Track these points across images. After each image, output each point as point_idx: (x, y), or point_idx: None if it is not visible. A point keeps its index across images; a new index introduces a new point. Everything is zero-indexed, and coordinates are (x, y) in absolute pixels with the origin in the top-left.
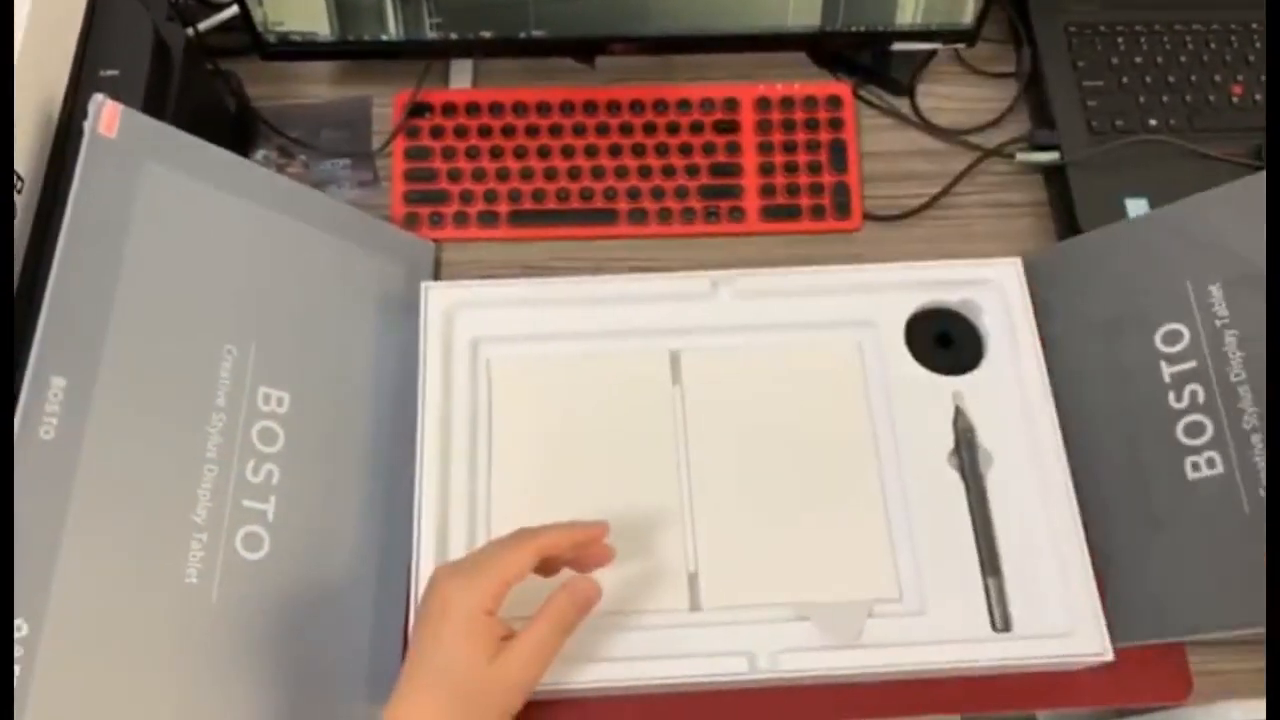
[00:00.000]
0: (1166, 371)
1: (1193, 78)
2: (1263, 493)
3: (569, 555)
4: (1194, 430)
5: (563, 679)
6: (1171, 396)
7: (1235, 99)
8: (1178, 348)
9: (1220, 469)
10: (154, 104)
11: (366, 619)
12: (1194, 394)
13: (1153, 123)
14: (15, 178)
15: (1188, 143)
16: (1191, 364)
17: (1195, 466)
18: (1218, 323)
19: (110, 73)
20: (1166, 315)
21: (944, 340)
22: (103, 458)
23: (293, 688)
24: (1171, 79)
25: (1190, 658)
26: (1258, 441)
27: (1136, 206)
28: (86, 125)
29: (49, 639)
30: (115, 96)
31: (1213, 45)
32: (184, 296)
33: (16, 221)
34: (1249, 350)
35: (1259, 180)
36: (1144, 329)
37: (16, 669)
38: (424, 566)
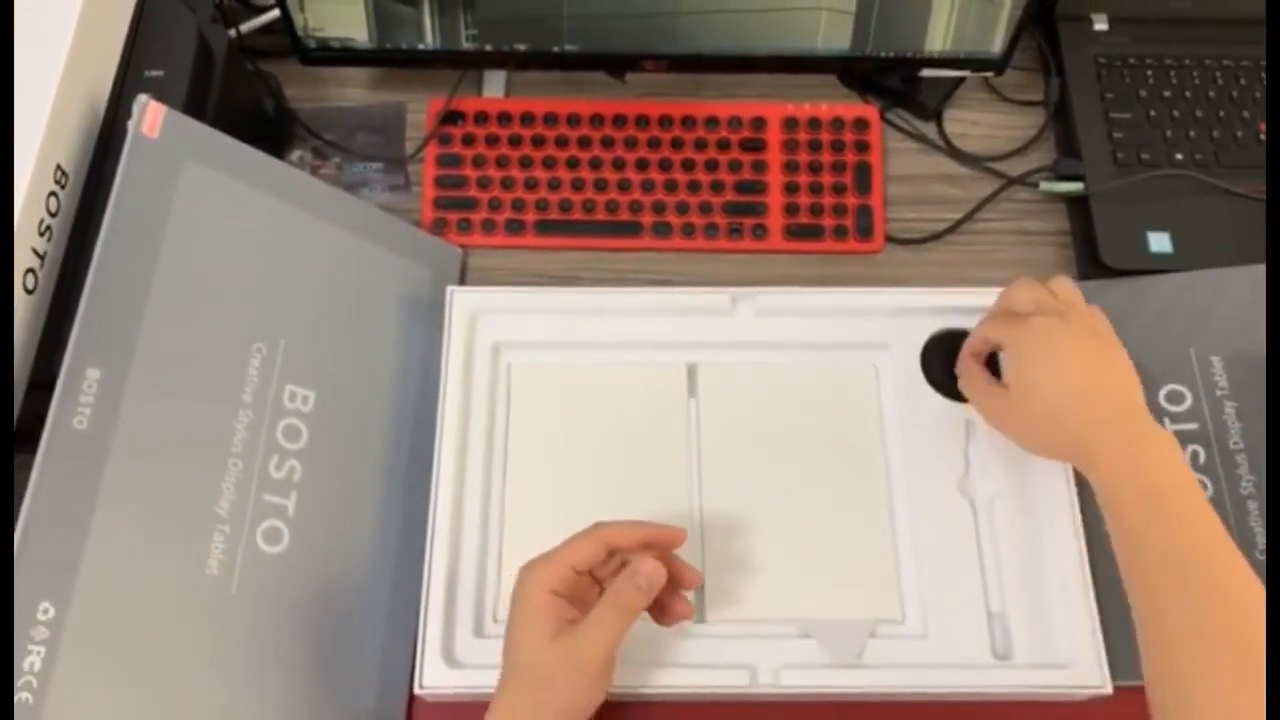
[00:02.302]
0: (1169, 428)
1: (1220, 113)
2: (1259, 555)
3: (635, 552)
4: None
5: None
6: None
7: (1262, 136)
8: (1180, 408)
9: None
10: (196, 103)
11: (381, 615)
12: (1195, 454)
13: (1178, 157)
14: (58, 172)
15: (1213, 178)
16: (1193, 425)
17: None
18: (1218, 392)
19: (155, 73)
20: (1170, 376)
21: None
22: (133, 448)
23: (307, 680)
24: (1199, 114)
25: None
26: (1254, 508)
27: (1159, 240)
28: (130, 124)
29: (74, 622)
30: (159, 96)
31: (1242, 81)
32: (217, 293)
33: (59, 216)
34: (1247, 423)
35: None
36: (1148, 384)
37: (41, 649)
38: (437, 565)
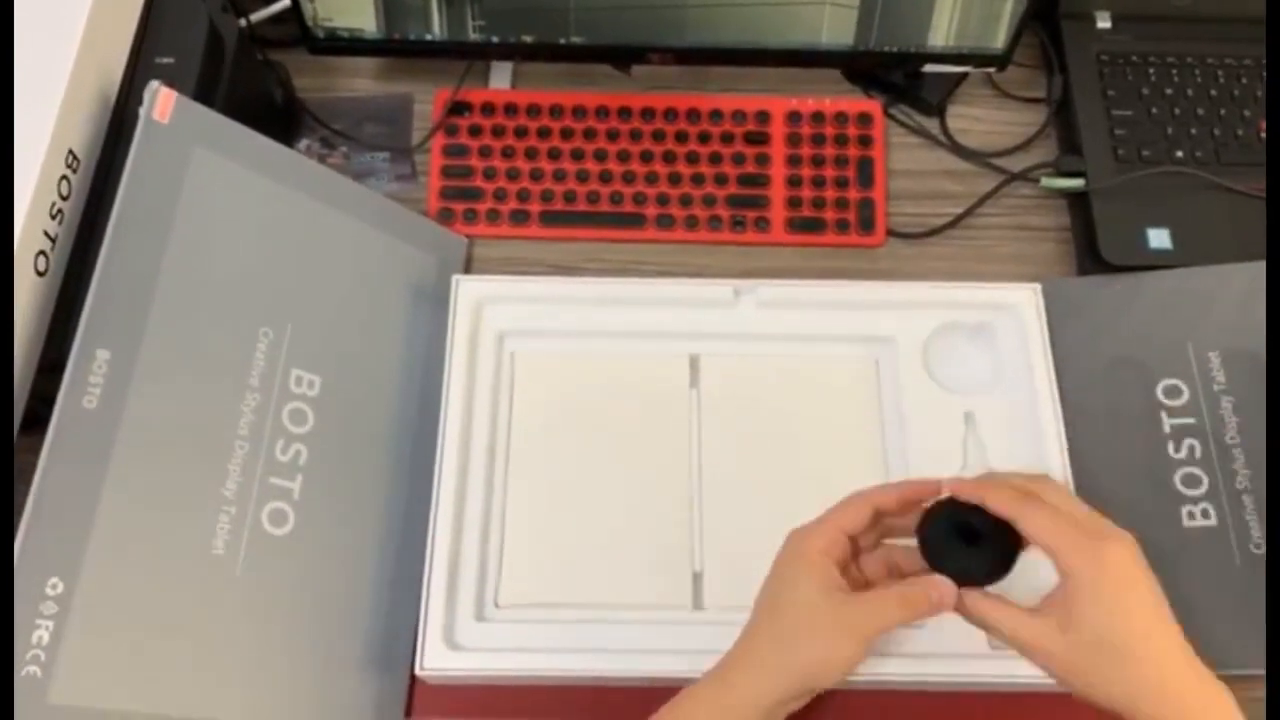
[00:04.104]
0: (1167, 422)
1: (1222, 112)
2: (1254, 549)
3: (899, 513)
4: (1191, 481)
5: (564, 667)
6: (1171, 446)
7: (1263, 135)
8: (1178, 402)
9: (1214, 521)
10: (206, 91)
11: (384, 598)
12: (1191, 448)
13: (1179, 155)
14: (70, 156)
15: (1213, 176)
16: (1190, 420)
17: (1191, 515)
18: (1215, 387)
19: (166, 60)
20: (1168, 371)
21: (969, 535)
22: (141, 428)
23: (310, 660)
24: (1200, 112)
25: None
26: (1250, 502)
27: (1158, 237)
28: (141, 110)
29: (82, 597)
30: (170, 83)
31: (1244, 80)
32: (225, 278)
33: (70, 200)
34: (1244, 417)
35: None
36: (1146, 378)
37: (50, 624)
38: (439, 549)
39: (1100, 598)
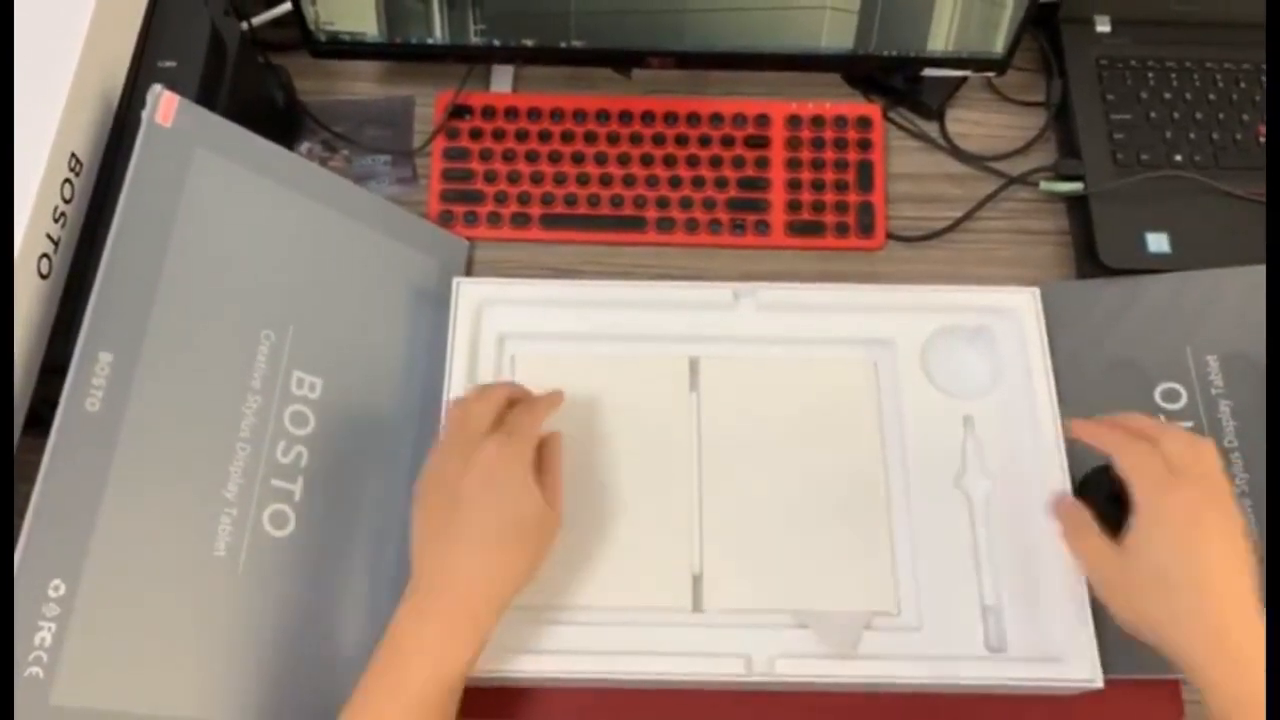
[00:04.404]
0: None
1: (1220, 116)
2: None
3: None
4: None
5: (565, 669)
6: None
7: (1261, 139)
8: (1176, 406)
9: None
10: (208, 94)
11: (384, 600)
12: None
13: (1178, 158)
14: (73, 159)
15: (1211, 180)
16: (1189, 424)
17: None
18: (1214, 391)
19: (168, 64)
20: (1166, 374)
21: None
22: (143, 431)
23: (309, 662)
24: (1199, 116)
25: (1184, 688)
26: (1247, 505)
27: (1157, 241)
28: (144, 114)
29: (84, 598)
30: (172, 87)
31: (1242, 84)
32: (227, 281)
33: (73, 203)
34: (1242, 421)
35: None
36: (1145, 382)
37: (52, 625)
38: None
39: (1156, 527)
